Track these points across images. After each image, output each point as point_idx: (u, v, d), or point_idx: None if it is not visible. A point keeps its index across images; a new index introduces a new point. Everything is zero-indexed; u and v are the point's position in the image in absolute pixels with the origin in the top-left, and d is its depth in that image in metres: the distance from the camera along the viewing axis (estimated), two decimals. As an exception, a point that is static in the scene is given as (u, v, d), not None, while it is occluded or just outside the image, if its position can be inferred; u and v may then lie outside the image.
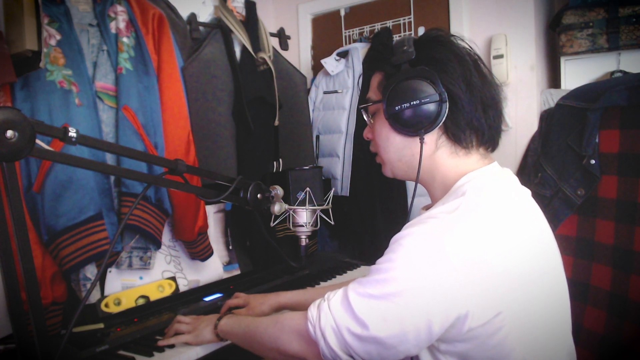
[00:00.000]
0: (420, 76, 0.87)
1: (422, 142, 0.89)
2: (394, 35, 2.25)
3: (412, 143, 0.91)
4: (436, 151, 0.91)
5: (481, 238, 0.77)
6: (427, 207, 0.98)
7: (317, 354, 0.84)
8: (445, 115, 0.86)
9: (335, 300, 0.83)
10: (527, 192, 0.94)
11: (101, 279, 1.39)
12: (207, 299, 1.43)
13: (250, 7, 1.86)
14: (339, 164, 2.18)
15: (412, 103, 0.87)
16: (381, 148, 0.96)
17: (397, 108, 0.88)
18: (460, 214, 0.79)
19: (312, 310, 0.86)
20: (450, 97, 0.86)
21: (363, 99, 1.02)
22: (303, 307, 1.19)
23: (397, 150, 0.94)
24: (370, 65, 0.99)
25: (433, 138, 0.90)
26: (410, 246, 0.79)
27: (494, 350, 0.78)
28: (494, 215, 0.81)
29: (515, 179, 0.95)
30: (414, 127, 0.88)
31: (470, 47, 0.92)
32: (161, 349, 1.12)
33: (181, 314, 1.32)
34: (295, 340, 0.89)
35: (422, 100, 0.86)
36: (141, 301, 1.41)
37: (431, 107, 0.86)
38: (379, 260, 0.83)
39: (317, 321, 0.83)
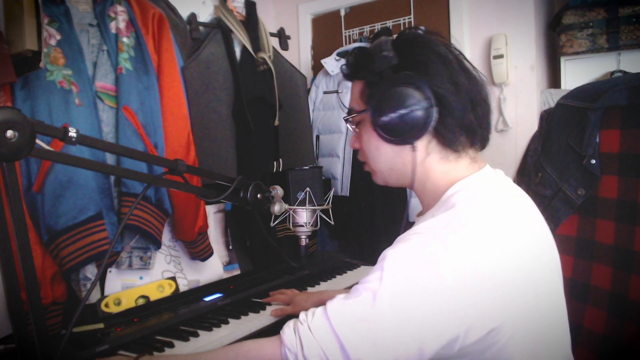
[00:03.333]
0: (405, 82, 0.83)
1: (414, 151, 0.86)
2: (394, 36, 2.25)
3: (402, 151, 0.87)
4: (427, 157, 0.87)
5: (475, 254, 0.74)
6: (421, 214, 0.96)
7: None
8: (435, 119, 0.83)
9: (316, 323, 0.76)
10: (521, 193, 0.91)
11: (101, 279, 1.39)
12: (207, 299, 1.43)
13: (250, 7, 1.86)
14: (339, 164, 2.18)
15: (400, 112, 0.82)
16: (371, 159, 0.93)
17: (384, 118, 0.84)
18: (451, 231, 0.76)
19: (289, 337, 0.78)
20: (438, 100, 0.82)
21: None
22: None
23: (387, 159, 0.90)
24: (350, 73, 0.94)
25: (423, 144, 0.86)
26: (400, 264, 0.75)
27: None
28: (486, 228, 0.78)
29: (508, 180, 0.92)
30: (404, 135, 0.84)
31: (451, 44, 0.88)
32: (161, 349, 1.12)
33: (181, 314, 1.32)
34: None
35: (412, 108, 0.82)
36: (141, 301, 1.41)
37: (421, 113, 0.82)
38: (365, 280, 0.77)
39: (299, 349, 0.75)
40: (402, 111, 0.82)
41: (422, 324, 0.72)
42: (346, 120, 0.96)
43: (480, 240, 0.76)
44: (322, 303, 1.25)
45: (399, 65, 0.84)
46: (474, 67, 0.89)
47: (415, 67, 0.84)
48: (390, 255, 0.77)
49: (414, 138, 0.84)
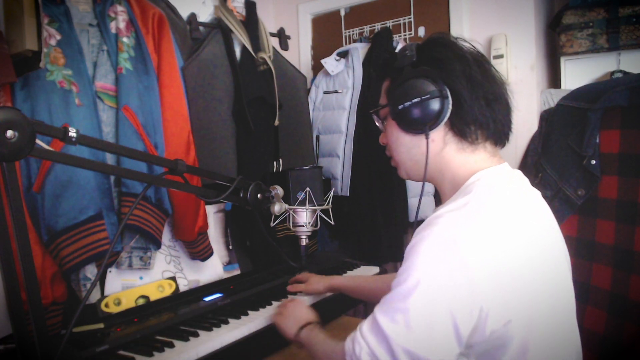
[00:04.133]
0: (420, 75, 0.90)
1: (427, 138, 0.91)
2: (394, 35, 2.25)
3: (420, 141, 0.93)
4: (444, 148, 0.93)
5: (490, 236, 0.80)
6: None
7: None
8: (449, 111, 0.89)
9: (365, 326, 0.85)
10: (537, 194, 0.95)
11: (101, 279, 1.39)
12: (207, 299, 1.43)
13: (250, 7, 1.86)
14: (339, 164, 2.18)
15: (413, 101, 0.89)
16: (393, 150, 1.00)
17: (400, 107, 0.91)
18: (469, 212, 0.82)
19: (348, 343, 0.88)
20: (452, 93, 0.88)
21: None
22: (353, 292, 1.40)
23: (407, 150, 0.96)
24: (379, 73, 1.04)
25: (440, 135, 0.92)
26: (424, 251, 0.80)
27: (513, 350, 0.80)
28: (502, 214, 0.83)
29: (526, 181, 0.96)
30: (419, 124, 0.91)
31: (473, 47, 0.94)
32: (161, 349, 1.12)
33: (181, 314, 1.32)
34: None
35: (423, 97, 0.88)
36: (141, 301, 1.41)
37: (434, 104, 0.88)
38: (399, 272, 0.84)
39: (352, 352, 0.85)
40: (415, 100, 0.89)
41: (449, 302, 0.77)
42: (373, 115, 1.03)
43: (495, 225, 0.81)
44: (331, 286, 1.43)
45: (418, 62, 0.92)
46: (495, 69, 0.94)
47: (432, 63, 0.91)
48: (414, 246, 0.82)
49: (428, 128, 0.90)
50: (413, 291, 0.78)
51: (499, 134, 0.93)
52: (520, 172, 0.97)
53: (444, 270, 0.77)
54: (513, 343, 0.79)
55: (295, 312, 1.23)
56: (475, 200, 0.84)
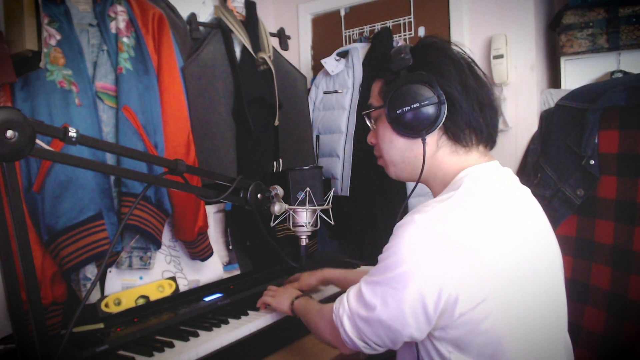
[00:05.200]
0: (418, 80, 0.91)
1: (424, 143, 0.93)
2: (394, 35, 2.25)
3: (414, 145, 0.95)
4: (437, 151, 0.95)
5: (470, 226, 0.82)
6: None
7: (343, 343, 0.93)
8: (445, 116, 0.90)
9: (352, 291, 0.93)
10: (526, 191, 0.97)
11: (101, 279, 1.39)
12: (207, 299, 1.43)
13: (250, 7, 1.86)
14: (339, 164, 2.18)
15: (412, 106, 0.91)
16: (385, 151, 1.01)
17: (398, 112, 0.93)
18: (453, 203, 0.85)
19: (336, 303, 0.96)
20: (448, 98, 0.90)
21: (366, 102, 1.07)
22: (343, 283, 1.42)
23: (400, 152, 0.98)
24: (371, 73, 1.05)
25: (434, 138, 0.94)
26: (405, 233, 0.84)
27: (484, 335, 0.82)
28: (484, 206, 0.86)
29: (515, 178, 0.98)
30: (415, 129, 0.92)
31: (464, 51, 0.97)
32: (161, 349, 1.12)
33: (181, 314, 1.32)
34: (328, 329, 0.99)
35: (422, 103, 0.90)
36: (141, 301, 1.41)
37: (430, 109, 0.90)
38: (385, 247, 0.88)
39: (337, 311, 0.93)
40: (414, 106, 0.91)
41: (420, 284, 0.81)
42: (365, 116, 1.05)
43: (475, 215, 0.84)
44: (323, 278, 1.45)
45: (414, 66, 0.93)
46: (484, 73, 0.97)
47: (429, 68, 0.92)
48: (398, 227, 0.87)
49: (424, 132, 0.92)
50: (391, 269, 0.84)
51: (490, 138, 0.96)
52: (510, 170, 0.99)
53: (420, 256, 0.81)
54: (483, 328, 0.81)
55: (287, 290, 1.34)
56: (461, 193, 0.86)
